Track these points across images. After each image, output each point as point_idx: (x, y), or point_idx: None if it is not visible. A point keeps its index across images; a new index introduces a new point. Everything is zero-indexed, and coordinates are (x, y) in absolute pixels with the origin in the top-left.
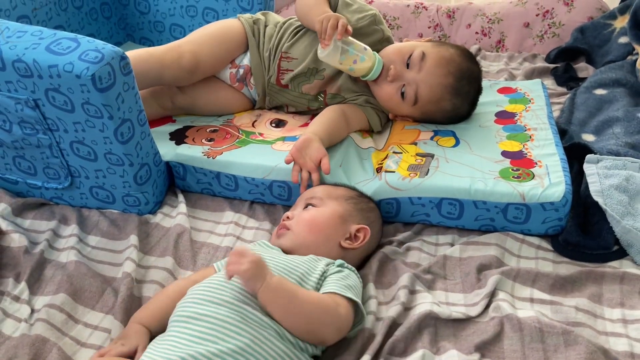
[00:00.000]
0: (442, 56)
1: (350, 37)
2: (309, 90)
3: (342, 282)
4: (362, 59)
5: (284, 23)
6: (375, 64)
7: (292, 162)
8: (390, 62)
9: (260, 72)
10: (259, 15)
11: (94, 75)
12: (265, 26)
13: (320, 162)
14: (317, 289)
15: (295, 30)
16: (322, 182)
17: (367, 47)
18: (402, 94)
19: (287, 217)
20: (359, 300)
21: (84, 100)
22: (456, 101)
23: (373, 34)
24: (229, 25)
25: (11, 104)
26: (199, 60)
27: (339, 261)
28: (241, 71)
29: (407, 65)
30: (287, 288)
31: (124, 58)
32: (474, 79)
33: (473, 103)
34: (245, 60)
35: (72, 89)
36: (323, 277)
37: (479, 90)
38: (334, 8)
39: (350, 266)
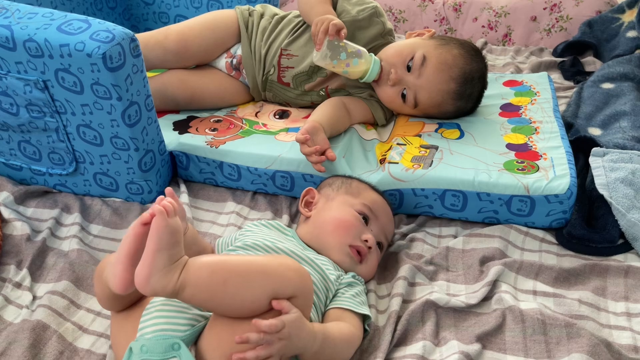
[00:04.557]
0: (444, 60)
1: (344, 41)
2: (311, 88)
3: (358, 298)
4: (355, 63)
5: (282, 18)
6: (371, 67)
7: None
8: (390, 65)
9: (250, 64)
10: (257, 7)
11: (105, 54)
12: (261, 17)
13: (324, 152)
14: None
15: (295, 27)
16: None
17: (362, 50)
18: (404, 96)
19: (370, 248)
20: (370, 316)
21: (93, 81)
22: (459, 103)
23: (374, 26)
24: (223, 14)
25: (20, 86)
26: (186, 42)
27: (351, 273)
28: (235, 60)
29: (409, 68)
30: (330, 340)
31: (134, 40)
32: (479, 79)
33: (477, 101)
34: (239, 50)
35: (82, 68)
36: (337, 281)
37: (483, 88)
38: (334, 3)
39: (361, 280)
